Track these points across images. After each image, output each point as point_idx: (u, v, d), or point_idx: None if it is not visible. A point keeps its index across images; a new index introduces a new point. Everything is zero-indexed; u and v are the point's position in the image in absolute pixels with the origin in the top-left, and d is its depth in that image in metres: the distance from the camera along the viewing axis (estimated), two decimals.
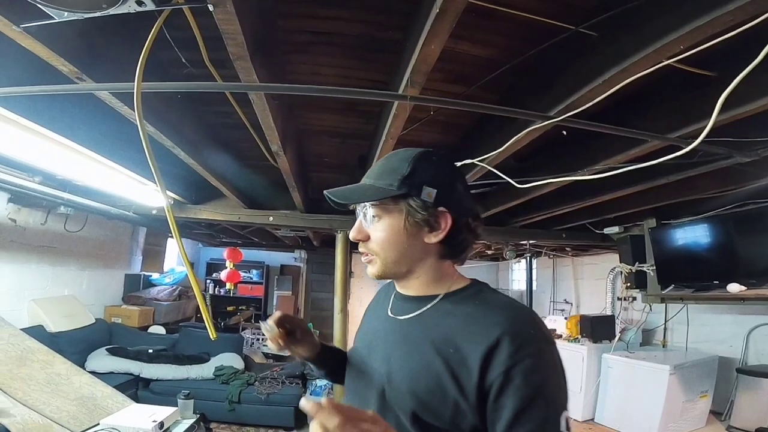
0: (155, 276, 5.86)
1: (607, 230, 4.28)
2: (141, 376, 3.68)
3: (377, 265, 0.75)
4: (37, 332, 3.28)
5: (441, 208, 0.71)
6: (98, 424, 2.18)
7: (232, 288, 7.04)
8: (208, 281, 7.84)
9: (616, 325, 4.68)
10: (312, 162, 2.48)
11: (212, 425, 3.44)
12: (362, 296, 7.50)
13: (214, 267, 8.09)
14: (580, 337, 4.76)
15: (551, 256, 6.69)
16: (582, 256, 6.28)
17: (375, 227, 0.74)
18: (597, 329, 4.64)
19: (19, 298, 3.55)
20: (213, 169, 2.26)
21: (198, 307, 6.73)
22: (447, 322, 0.69)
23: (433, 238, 0.72)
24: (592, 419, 4.29)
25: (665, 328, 4.73)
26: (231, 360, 4.23)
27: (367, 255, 0.76)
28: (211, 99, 1.86)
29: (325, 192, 0.76)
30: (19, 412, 2.14)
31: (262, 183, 3.15)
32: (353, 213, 0.80)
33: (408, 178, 0.71)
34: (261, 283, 8.07)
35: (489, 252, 6.54)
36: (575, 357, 4.49)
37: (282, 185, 2.82)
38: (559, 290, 7.05)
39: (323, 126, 2.10)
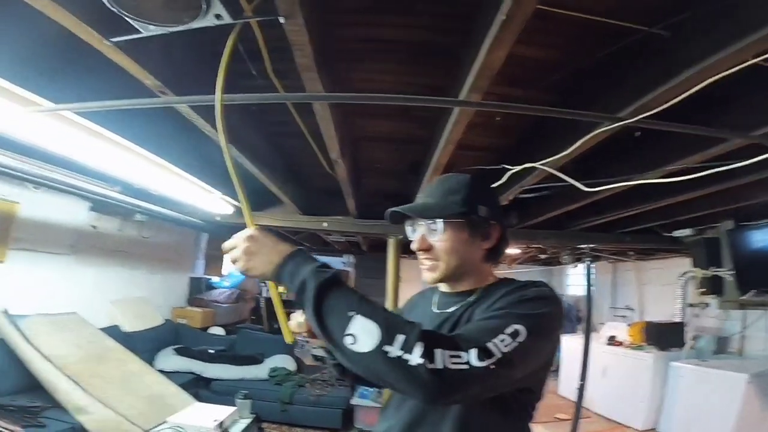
0: (215, 279, 6.19)
1: (677, 233, 3.95)
2: (203, 375, 3.89)
3: (439, 271, 0.89)
4: (113, 332, 3.57)
5: (492, 222, 0.90)
6: (165, 421, 2.32)
7: (285, 292, 7.25)
8: (261, 285, 8.15)
9: (685, 333, 4.50)
10: (365, 168, 2.51)
11: (264, 425, 3.57)
12: None
13: None
14: (644, 344, 4.54)
15: (611, 261, 6.30)
16: (647, 260, 5.85)
17: (439, 238, 0.88)
18: (664, 337, 4.44)
19: (98, 299, 3.87)
20: (272, 176, 2.35)
21: (253, 309, 7.03)
22: (486, 302, 0.83)
23: (485, 246, 0.91)
24: (654, 429, 4.17)
25: (742, 336, 4.33)
26: (284, 361, 4.36)
27: (428, 262, 0.90)
28: (270, 108, 1.93)
29: (397, 208, 0.90)
30: (97, 409, 2.33)
31: (316, 190, 3.23)
32: (397, 224, 0.96)
33: (467, 198, 0.88)
34: None
35: (542, 256, 6.28)
36: (639, 365, 4.34)
37: (334, 192, 2.87)
38: (619, 296, 6.66)
39: (376, 133, 2.11)
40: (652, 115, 1.32)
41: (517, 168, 1.81)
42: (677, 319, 4.79)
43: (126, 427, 2.34)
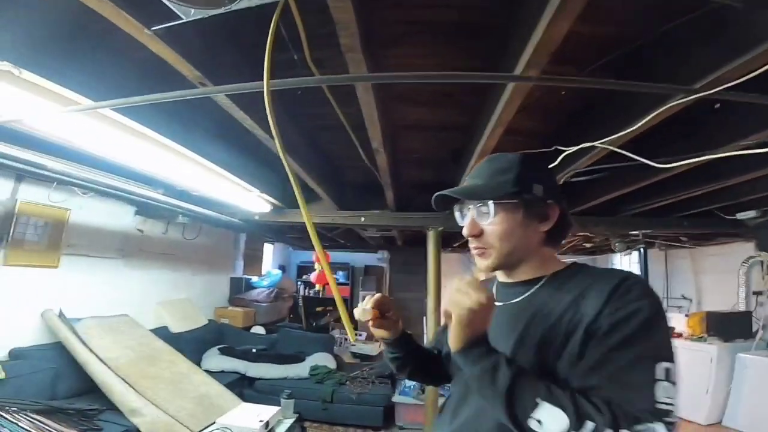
0: (255, 279, 6.30)
1: (740, 215, 3.62)
2: (246, 374, 3.94)
3: (492, 257, 0.82)
4: (162, 333, 3.67)
5: (549, 201, 0.82)
6: (214, 422, 2.34)
7: (321, 289, 7.32)
8: (298, 283, 8.26)
9: (752, 322, 4.25)
10: (402, 159, 2.42)
11: (305, 424, 3.57)
12: None
13: (303, 269, 8.51)
14: (705, 335, 4.28)
15: (662, 249, 5.92)
16: (704, 247, 5.45)
17: (491, 222, 0.81)
18: (729, 327, 4.19)
19: (145, 301, 4.01)
20: (309, 171, 2.32)
21: (291, 307, 7.11)
22: (560, 293, 0.76)
23: (543, 228, 0.82)
24: (720, 422, 3.98)
25: None
26: (324, 360, 4.36)
27: (480, 249, 0.83)
28: (307, 101, 1.88)
29: (445, 191, 0.84)
30: (150, 411, 2.37)
31: (352, 185, 3.19)
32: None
33: (519, 177, 0.80)
34: (347, 284, 8.32)
35: (587, 245, 5.97)
36: (701, 357, 4.10)
37: (371, 186, 2.81)
38: (673, 286, 6.24)
39: (415, 120, 2.02)
40: (728, 87, 1.17)
41: (574, 148, 1.67)
42: (741, 308, 4.48)
43: (177, 429, 2.38)
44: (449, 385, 0.98)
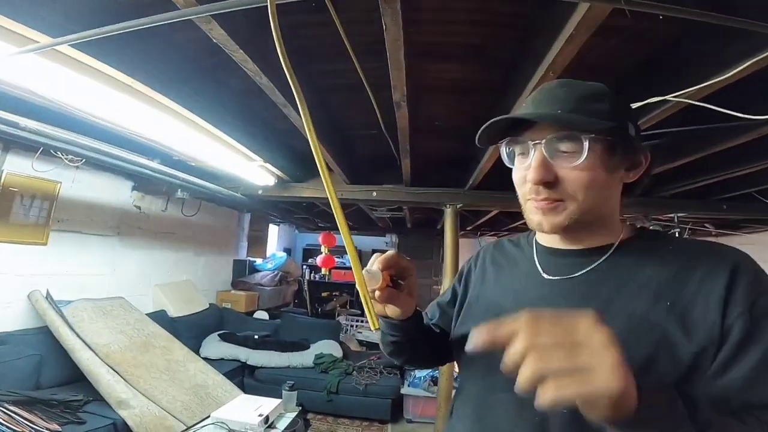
0: (259, 261, 6.11)
1: None
2: (247, 363, 3.75)
3: (567, 212, 0.62)
4: (159, 317, 3.49)
5: (643, 145, 0.65)
6: (209, 416, 2.15)
7: (327, 273, 7.13)
8: (304, 267, 8.07)
9: None
10: (421, 127, 2.15)
11: (309, 416, 3.39)
12: None
13: (309, 252, 8.32)
14: None
15: (686, 236, 5.62)
16: (732, 235, 5.16)
17: (579, 164, 0.60)
18: None
19: (144, 283, 3.82)
20: (320, 137, 2.06)
21: (296, 292, 6.94)
22: (644, 271, 0.60)
23: (630, 178, 0.66)
24: None
25: None
26: (330, 348, 4.17)
27: (552, 202, 0.62)
28: (320, 54, 1.65)
29: (522, 114, 0.62)
30: (139, 403, 2.18)
31: (364, 156, 2.94)
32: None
33: (616, 109, 0.61)
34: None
35: None
36: None
37: (384, 158, 2.56)
38: None
39: (441, 79, 1.74)
40: None
41: (637, 104, 1.38)
42: None
43: (169, 422, 2.19)
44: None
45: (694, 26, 1.36)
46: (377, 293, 0.65)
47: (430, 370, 3.66)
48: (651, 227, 3.74)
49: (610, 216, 0.67)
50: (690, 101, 1.31)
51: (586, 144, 0.59)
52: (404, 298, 0.68)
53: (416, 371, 3.90)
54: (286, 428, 2.38)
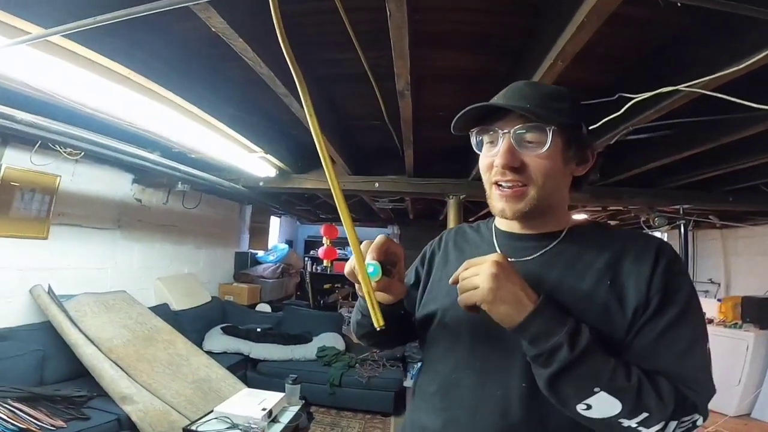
0: (261, 253, 6.10)
1: None
2: (250, 356, 3.75)
3: (529, 198, 0.68)
4: (162, 310, 3.48)
5: (593, 143, 0.73)
6: (212, 411, 2.14)
7: (329, 265, 7.12)
8: (306, 259, 8.07)
9: None
10: (425, 117, 2.12)
11: (312, 409, 3.39)
12: None
13: (311, 244, 8.30)
14: (740, 322, 4.05)
15: (690, 228, 5.58)
16: (735, 228, 5.12)
17: (542, 153, 0.66)
18: (766, 313, 3.93)
19: (146, 276, 3.81)
20: (322, 125, 2.02)
21: (298, 284, 6.93)
22: (589, 253, 0.69)
23: (579, 172, 0.73)
24: (749, 414, 3.75)
25: None
26: (332, 340, 4.16)
27: (517, 185, 0.68)
28: (322, 43, 1.61)
29: (496, 102, 0.68)
30: (142, 398, 2.17)
31: (366, 147, 2.90)
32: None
33: (574, 109, 0.69)
34: None
35: (612, 222, 5.62)
36: (737, 345, 3.85)
37: (387, 149, 2.53)
38: (699, 268, 5.95)
39: (445, 69, 1.70)
40: None
41: (648, 94, 1.34)
42: None
43: (173, 417, 2.18)
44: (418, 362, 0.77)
45: (706, 17, 1.32)
46: (373, 284, 0.64)
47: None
48: (656, 218, 3.72)
49: (560, 205, 0.74)
50: (703, 91, 1.26)
51: (550, 135, 0.65)
52: (396, 284, 0.68)
53: (418, 363, 3.90)
54: (289, 422, 2.37)
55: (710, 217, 4.83)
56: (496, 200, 0.71)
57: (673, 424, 0.56)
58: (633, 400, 0.56)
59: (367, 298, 0.62)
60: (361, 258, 0.63)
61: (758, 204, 3.51)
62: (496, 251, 0.76)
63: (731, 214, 4.66)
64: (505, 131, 0.67)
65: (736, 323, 4.03)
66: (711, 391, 0.61)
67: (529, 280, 0.66)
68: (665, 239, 5.86)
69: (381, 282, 0.64)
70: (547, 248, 0.72)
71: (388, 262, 0.66)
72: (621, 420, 0.56)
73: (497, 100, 0.70)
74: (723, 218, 4.85)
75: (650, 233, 0.76)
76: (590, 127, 0.73)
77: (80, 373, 2.41)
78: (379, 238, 0.66)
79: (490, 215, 0.84)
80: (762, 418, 3.65)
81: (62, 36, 1.21)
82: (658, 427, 0.56)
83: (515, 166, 0.67)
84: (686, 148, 2.14)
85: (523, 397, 0.64)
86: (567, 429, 0.63)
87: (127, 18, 0.98)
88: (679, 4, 0.89)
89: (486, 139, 0.72)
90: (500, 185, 0.69)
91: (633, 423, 0.56)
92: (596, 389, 0.56)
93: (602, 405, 0.56)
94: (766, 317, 3.91)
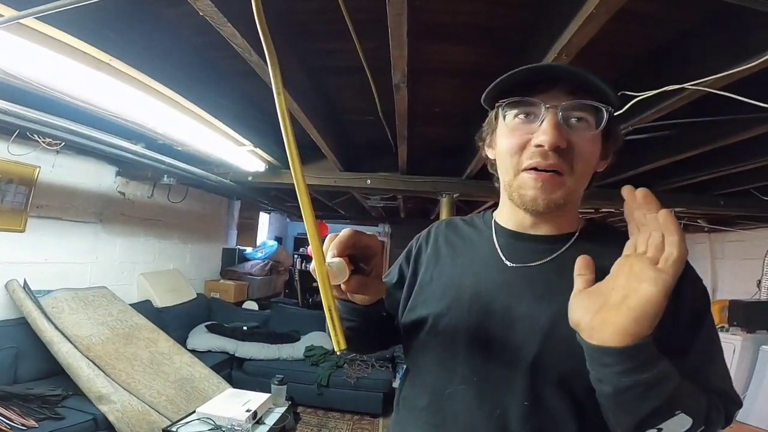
0: (249, 250, 5.99)
1: None
2: (235, 355, 3.66)
3: (565, 189, 0.60)
4: (144, 307, 3.38)
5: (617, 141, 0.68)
6: (194, 412, 2.07)
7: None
8: (295, 256, 7.97)
9: None
10: (419, 113, 2.06)
11: (299, 409, 3.33)
12: None
13: (301, 242, 8.21)
14: (727, 325, 4.07)
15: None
16: (724, 232, 5.17)
17: (583, 137, 0.59)
18: (754, 317, 3.98)
19: (129, 272, 3.69)
20: (314, 119, 1.95)
21: (286, 282, 6.83)
22: (604, 260, 0.56)
23: (601, 167, 0.67)
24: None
25: None
26: (321, 340, 4.09)
27: (559, 170, 0.59)
28: (316, 32, 1.54)
29: (549, 64, 0.72)
30: (120, 398, 2.08)
31: (359, 143, 2.84)
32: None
33: (616, 95, 0.60)
34: None
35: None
36: (724, 349, 3.74)
37: (380, 146, 2.47)
38: None
39: (442, 62, 1.64)
40: None
41: (651, 93, 1.30)
42: (764, 297, 4.28)
43: (152, 417, 2.10)
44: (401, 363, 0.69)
45: (712, 15, 1.29)
46: (342, 286, 0.54)
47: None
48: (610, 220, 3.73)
49: (577, 203, 0.67)
50: (711, 90, 1.23)
51: (605, 115, 0.58)
52: (373, 282, 0.58)
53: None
54: (275, 424, 2.31)
55: (699, 220, 4.88)
56: (527, 187, 0.61)
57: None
58: (704, 415, 0.52)
59: (326, 313, 0.49)
60: (321, 258, 0.50)
61: (749, 208, 3.54)
62: (496, 251, 0.69)
63: (720, 218, 4.72)
64: (551, 105, 0.58)
65: (723, 327, 4.07)
66: (739, 401, 0.60)
67: (541, 288, 0.61)
68: None
69: (352, 282, 0.54)
70: (558, 252, 0.65)
71: (360, 257, 0.56)
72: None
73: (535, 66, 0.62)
74: (711, 222, 4.91)
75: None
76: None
77: (56, 371, 2.31)
78: (345, 232, 0.54)
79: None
80: (748, 421, 3.66)
81: (38, 19, 1.14)
82: None
83: (562, 145, 0.58)
84: (683, 150, 2.12)
85: (525, 417, 0.58)
86: None
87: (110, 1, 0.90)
88: None
89: (521, 112, 0.62)
90: (535, 169, 0.60)
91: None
92: (678, 411, 0.51)
93: (675, 425, 0.51)
94: (753, 321, 3.95)
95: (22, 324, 2.41)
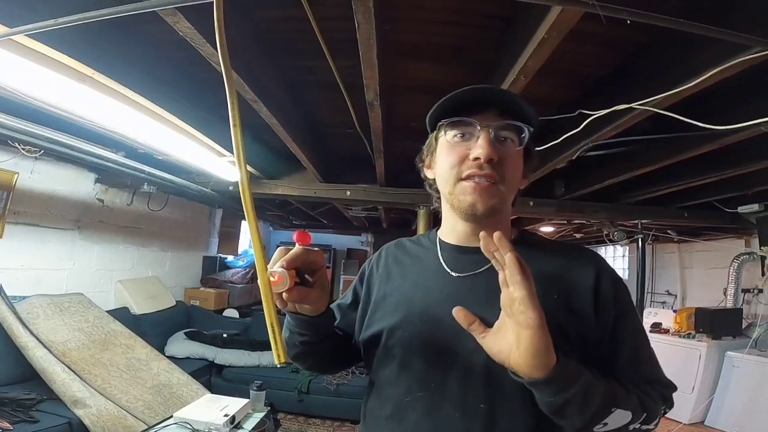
0: (230, 258, 5.96)
1: (742, 209, 3.48)
2: (215, 362, 3.65)
3: (500, 194, 0.68)
4: (122, 314, 3.35)
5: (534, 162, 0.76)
6: (171, 416, 2.07)
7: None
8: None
9: (742, 320, 4.31)
10: (397, 126, 2.14)
11: (280, 416, 3.33)
12: None
13: None
14: (694, 332, 4.26)
15: (650, 243, 5.85)
16: (692, 242, 5.40)
17: (509, 154, 0.68)
18: (719, 324, 4.14)
19: (106, 278, 3.66)
20: (293, 133, 2.03)
21: None
22: (537, 266, 0.62)
23: (523, 184, 0.74)
24: (702, 422, 3.89)
25: None
26: None
27: (494, 178, 0.67)
28: (297, 51, 1.63)
29: (483, 87, 0.68)
30: (96, 402, 2.08)
31: (338, 155, 2.92)
32: (434, 129, 0.74)
33: (536, 118, 0.69)
34: (328, 267, 8.03)
35: (577, 236, 5.83)
36: (690, 354, 4.05)
37: (359, 158, 2.55)
38: (658, 280, 6.24)
39: (417, 80, 1.74)
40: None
41: (604, 111, 1.42)
42: (729, 305, 4.44)
43: (129, 421, 2.10)
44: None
45: (666, 33, 1.39)
46: (284, 295, 0.58)
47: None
48: (615, 233, 3.88)
49: (509, 214, 0.76)
50: (655, 110, 1.35)
51: (526, 134, 0.68)
52: (316, 294, 0.63)
53: None
54: (253, 428, 2.32)
55: (668, 231, 5.09)
56: (466, 193, 0.68)
57: (660, 414, 0.64)
58: (639, 406, 0.61)
59: (269, 328, 0.52)
60: (264, 265, 0.54)
61: (712, 219, 3.73)
62: (441, 265, 0.74)
63: (688, 229, 4.92)
64: (486, 125, 0.67)
65: (690, 333, 4.23)
66: (672, 384, 0.69)
67: (484, 293, 0.65)
68: (625, 252, 6.12)
69: (294, 291, 0.58)
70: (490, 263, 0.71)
71: (306, 270, 0.61)
72: (630, 426, 0.61)
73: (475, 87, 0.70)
74: (680, 233, 5.12)
75: (587, 247, 0.77)
76: (550, 143, 0.78)
77: (30, 376, 2.29)
78: (295, 249, 0.59)
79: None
80: (714, 425, 3.80)
81: (26, 35, 1.19)
82: (656, 420, 0.64)
83: (495, 159, 0.66)
84: (643, 164, 2.26)
85: (485, 419, 0.63)
86: None
87: (91, 21, 0.97)
88: (628, 22, 0.95)
89: (457, 132, 0.70)
90: (473, 178, 0.67)
91: (638, 424, 0.62)
92: (613, 409, 0.59)
93: (617, 419, 0.59)
94: (718, 328, 4.11)
95: None
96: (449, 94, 0.68)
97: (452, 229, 0.77)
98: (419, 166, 0.83)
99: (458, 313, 0.59)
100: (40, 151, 2.52)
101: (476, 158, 0.66)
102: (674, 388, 0.69)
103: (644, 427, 0.63)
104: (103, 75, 1.46)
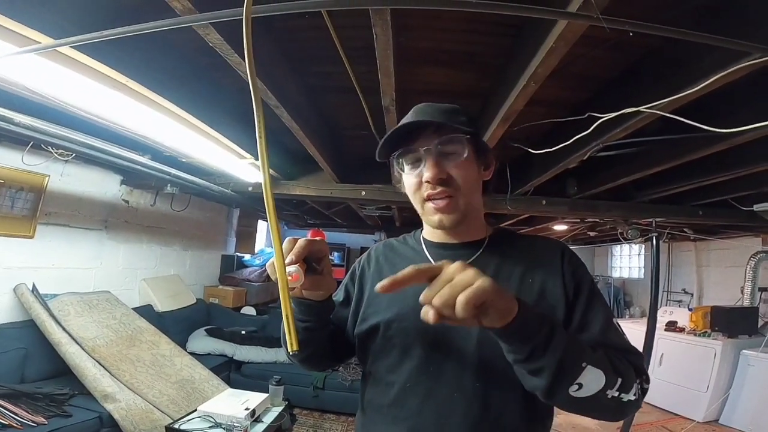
0: (247, 257, 6.09)
1: (758, 207, 3.44)
2: (234, 358, 3.76)
3: (458, 208, 0.74)
4: (146, 311, 3.49)
5: (490, 149, 0.81)
6: (195, 410, 2.17)
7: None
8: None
9: (759, 319, 4.27)
10: None
11: (295, 411, 3.42)
12: None
13: None
14: (710, 331, 4.21)
15: (666, 240, 5.78)
16: (708, 240, 5.32)
17: (456, 165, 0.74)
18: (735, 323, 4.11)
19: (131, 277, 3.81)
20: (312, 135, 2.10)
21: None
22: (510, 259, 0.77)
23: (486, 176, 0.81)
24: (717, 420, 3.88)
25: None
26: None
27: (448, 196, 0.74)
28: (315, 57, 1.69)
29: (418, 120, 0.73)
30: (125, 397, 2.19)
31: (354, 156, 2.98)
32: (386, 160, 0.80)
33: (471, 121, 0.76)
34: (342, 266, 8.14)
35: (591, 234, 5.79)
36: (705, 353, 4.01)
37: (374, 158, 2.60)
38: (674, 279, 6.17)
39: (431, 84, 1.79)
40: None
41: (613, 114, 1.45)
42: (746, 304, 4.39)
43: (155, 416, 2.20)
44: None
45: (673, 38, 1.43)
46: (297, 282, 0.64)
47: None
48: (630, 231, 3.87)
49: (479, 210, 0.82)
50: (662, 113, 1.38)
51: (466, 145, 0.73)
52: (324, 279, 0.69)
53: None
54: (272, 422, 2.41)
55: (685, 229, 5.03)
56: (431, 214, 0.76)
57: (636, 384, 0.64)
58: (611, 368, 0.61)
59: (284, 319, 0.58)
60: (283, 267, 0.59)
61: (727, 218, 3.67)
62: (428, 260, 0.81)
63: (704, 227, 4.85)
64: (426, 148, 0.73)
65: (706, 332, 4.19)
66: (639, 352, 0.72)
67: None
68: (641, 250, 6.04)
69: (307, 281, 0.65)
70: (476, 255, 0.78)
71: (312, 258, 0.67)
72: (607, 391, 0.60)
73: (407, 119, 0.76)
74: (697, 231, 5.05)
75: (554, 239, 0.86)
76: (562, 144, 0.80)
77: (62, 371, 2.41)
78: (300, 242, 0.64)
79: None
80: (729, 423, 3.78)
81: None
82: (633, 390, 0.63)
83: (443, 177, 0.72)
84: (654, 164, 2.27)
85: (480, 397, 0.69)
86: (521, 424, 0.69)
87: (132, 35, 1.05)
88: (630, 34, 0.99)
89: (407, 162, 0.76)
90: (433, 199, 0.74)
91: (615, 392, 0.61)
92: (584, 364, 0.59)
93: (590, 380, 0.59)
94: (734, 326, 4.08)
95: (30, 326, 2.51)
96: (388, 133, 0.75)
97: (433, 231, 0.85)
98: (396, 186, 0.88)
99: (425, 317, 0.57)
100: (71, 155, 2.64)
101: (427, 181, 0.73)
102: (642, 355, 0.73)
103: (623, 395, 0.62)
104: (136, 82, 1.55)
